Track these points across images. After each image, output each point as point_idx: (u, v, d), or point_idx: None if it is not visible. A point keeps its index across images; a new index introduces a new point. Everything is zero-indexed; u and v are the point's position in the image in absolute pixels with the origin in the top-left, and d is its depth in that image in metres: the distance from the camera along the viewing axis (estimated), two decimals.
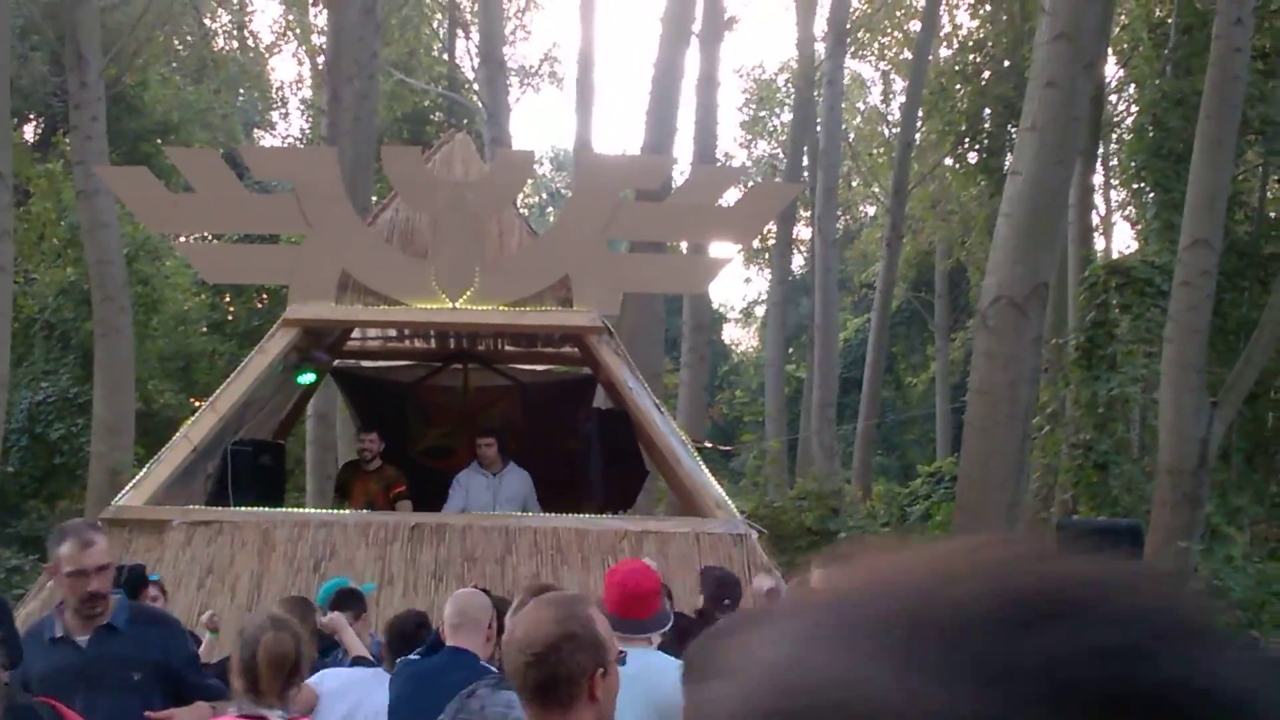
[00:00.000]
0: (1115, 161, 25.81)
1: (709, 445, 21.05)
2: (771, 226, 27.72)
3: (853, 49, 30.94)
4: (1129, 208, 25.99)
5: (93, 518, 9.93)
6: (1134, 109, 22.52)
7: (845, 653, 0.67)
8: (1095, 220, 25.71)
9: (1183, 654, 0.64)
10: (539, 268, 11.70)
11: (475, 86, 29.37)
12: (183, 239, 16.06)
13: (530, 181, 32.11)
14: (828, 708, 0.65)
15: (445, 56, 35.07)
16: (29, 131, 29.50)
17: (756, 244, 33.28)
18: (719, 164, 26.63)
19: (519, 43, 36.84)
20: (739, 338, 47.40)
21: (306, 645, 6.11)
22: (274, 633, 5.99)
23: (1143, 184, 20.26)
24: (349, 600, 7.81)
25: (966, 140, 25.80)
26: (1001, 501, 11.59)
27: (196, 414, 11.70)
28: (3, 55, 14.76)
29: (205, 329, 27.46)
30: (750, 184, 21.86)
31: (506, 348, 14.44)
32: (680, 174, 18.63)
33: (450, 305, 11.52)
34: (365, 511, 11.25)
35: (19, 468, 22.06)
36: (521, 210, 14.65)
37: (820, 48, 28.01)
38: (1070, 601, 0.65)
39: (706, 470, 11.81)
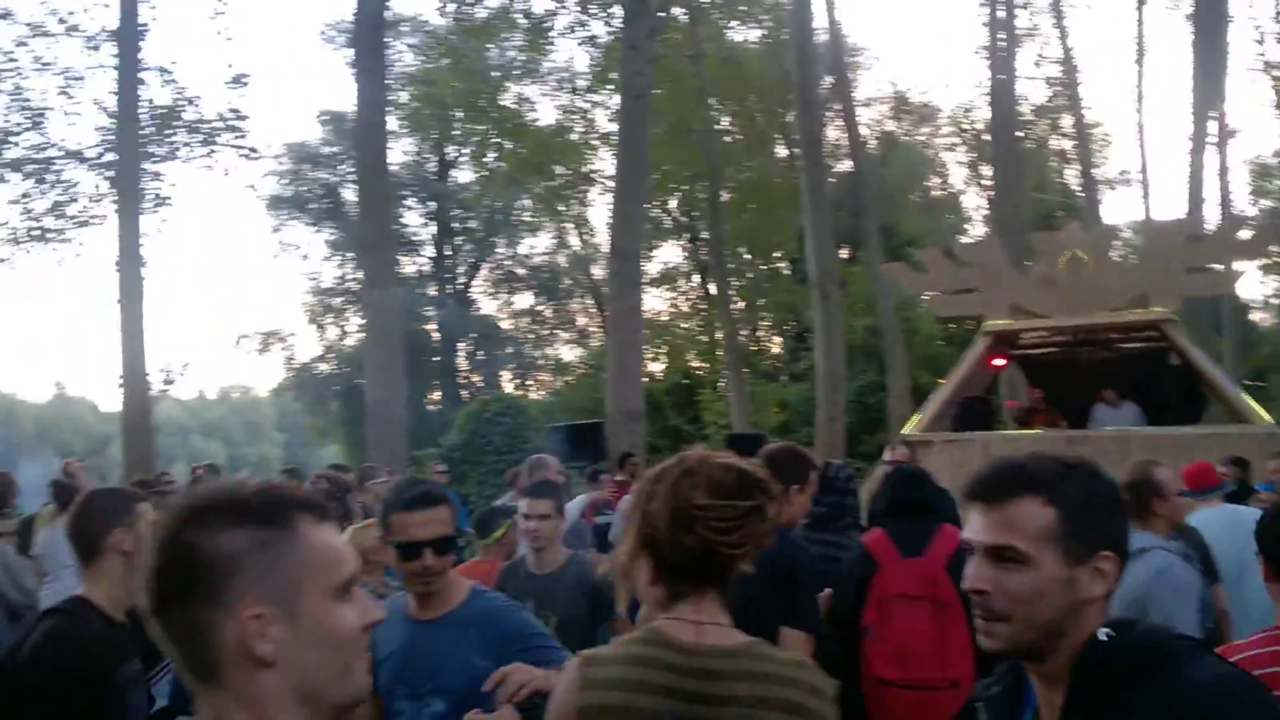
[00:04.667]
0: None
1: (1248, 383, 18.32)
2: None
3: None
4: None
5: (900, 439, 9.84)
6: None
7: None
8: None
9: None
10: (1120, 288, 10.99)
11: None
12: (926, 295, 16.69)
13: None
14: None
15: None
16: (844, 252, 30.77)
17: None
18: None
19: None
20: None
21: None
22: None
23: None
24: None
25: None
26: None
27: (937, 387, 12.52)
28: (824, 221, 16.73)
29: (940, 340, 28.46)
30: None
31: (1102, 336, 13.71)
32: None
33: (1071, 318, 11.29)
34: (1041, 430, 11.20)
35: (853, 420, 22.70)
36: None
37: None
38: None
39: (1249, 399, 10.90)
